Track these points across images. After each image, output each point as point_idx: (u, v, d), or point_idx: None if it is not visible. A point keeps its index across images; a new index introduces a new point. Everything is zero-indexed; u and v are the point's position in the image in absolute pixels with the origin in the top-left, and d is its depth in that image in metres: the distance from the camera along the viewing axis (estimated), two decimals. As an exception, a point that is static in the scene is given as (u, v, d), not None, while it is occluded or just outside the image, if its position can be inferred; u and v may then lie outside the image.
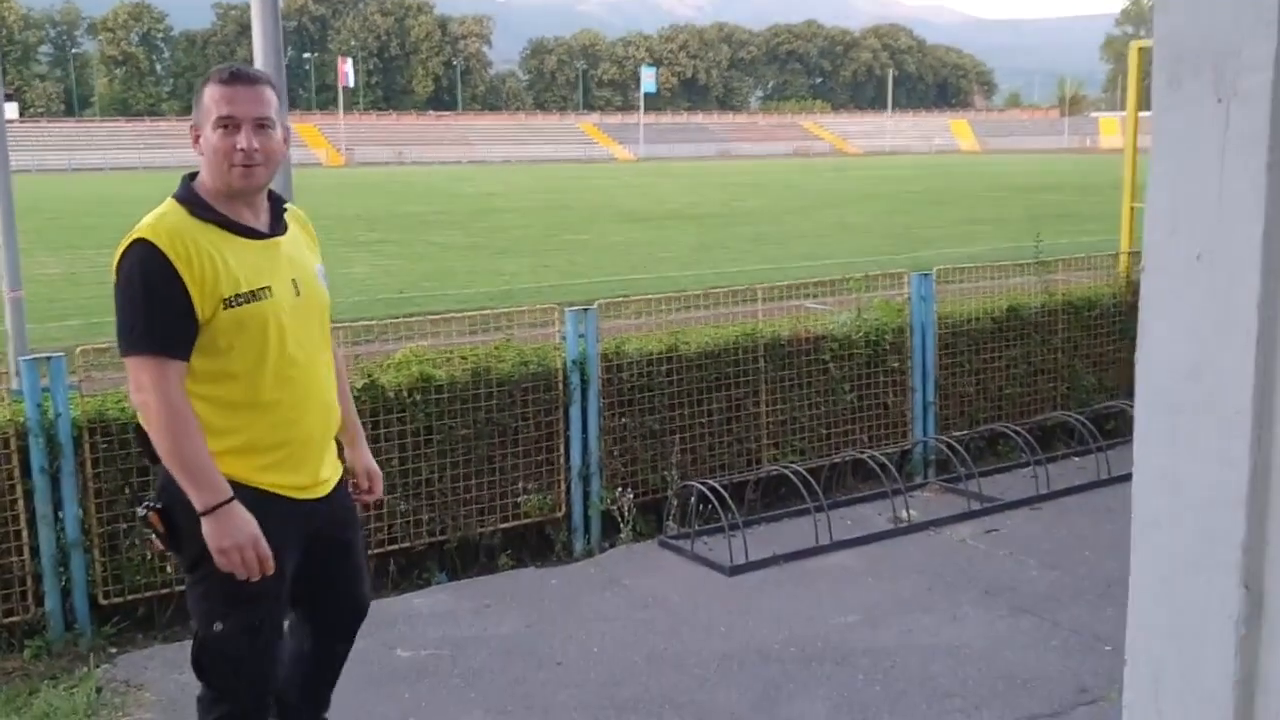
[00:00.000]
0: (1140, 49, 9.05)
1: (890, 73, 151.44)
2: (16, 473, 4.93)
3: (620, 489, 6.24)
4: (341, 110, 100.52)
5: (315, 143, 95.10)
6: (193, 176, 3.09)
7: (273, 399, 3.05)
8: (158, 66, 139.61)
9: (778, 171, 68.21)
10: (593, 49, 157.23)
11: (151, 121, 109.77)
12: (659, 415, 6.43)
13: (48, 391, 4.93)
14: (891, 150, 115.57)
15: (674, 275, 19.18)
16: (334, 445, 3.34)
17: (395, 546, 5.77)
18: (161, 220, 2.95)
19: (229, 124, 2.94)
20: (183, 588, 5.32)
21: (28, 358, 4.96)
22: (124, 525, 5.16)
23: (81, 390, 5.12)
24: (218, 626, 3.10)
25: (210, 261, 2.91)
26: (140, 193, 49.92)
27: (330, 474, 3.27)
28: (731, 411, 6.69)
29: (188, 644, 3.31)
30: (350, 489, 3.42)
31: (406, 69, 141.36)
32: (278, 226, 3.14)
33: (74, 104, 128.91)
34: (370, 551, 5.39)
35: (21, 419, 4.93)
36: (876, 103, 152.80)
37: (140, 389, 2.93)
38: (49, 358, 4.95)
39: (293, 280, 3.09)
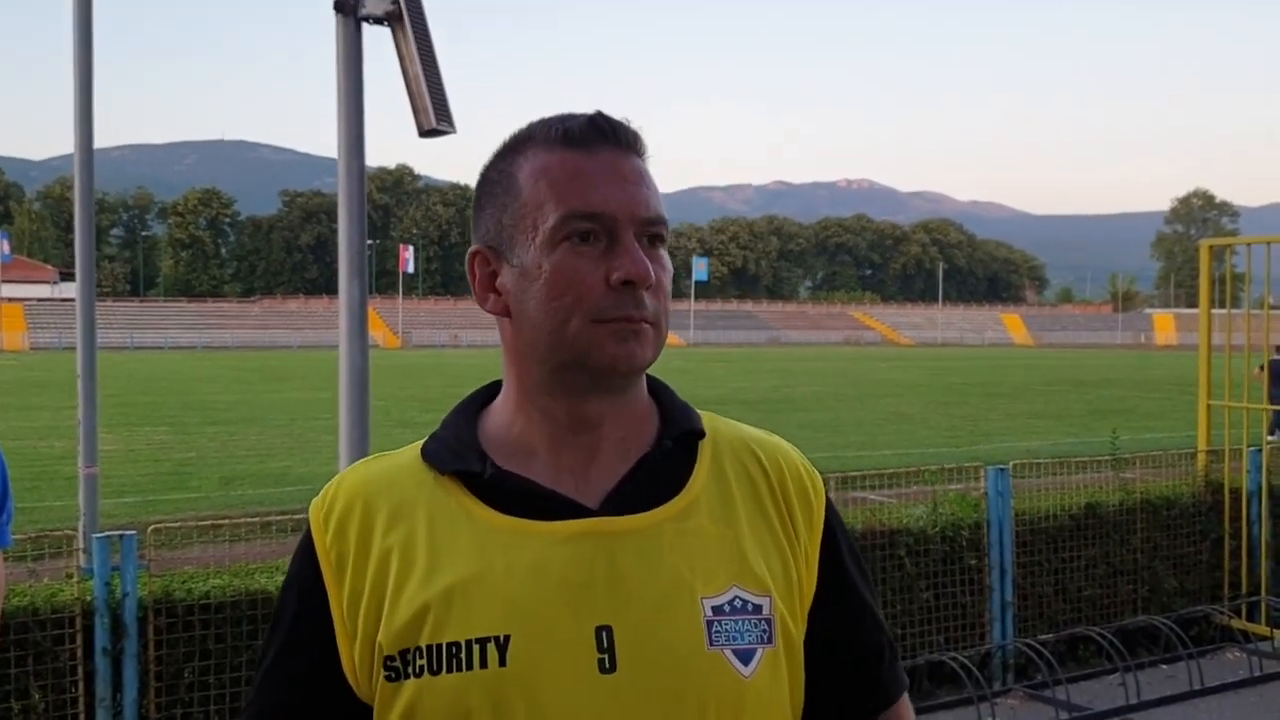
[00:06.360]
0: (1210, 247, 9.01)
1: (940, 266, 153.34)
2: (80, 653, 4.82)
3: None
4: (401, 294, 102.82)
5: (374, 325, 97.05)
6: (492, 390, 1.43)
7: None
8: (222, 250, 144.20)
9: (829, 359, 68.52)
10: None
11: (213, 302, 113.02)
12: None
13: (117, 570, 4.85)
14: (943, 342, 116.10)
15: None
16: None
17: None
18: (365, 469, 1.37)
19: (593, 228, 1.27)
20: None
21: (100, 535, 4.89)
22: (180, 711, 5.00)
23: (150, 569, 5.04)
24: None
25: (380, 573, 1.28)
26: (197, 371, 50.88)
27: None
28: (804, 607, 6.46)
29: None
30: None
31: (465, 256, 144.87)
32: (650, 487, 1.33)
33: (139, 284, 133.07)
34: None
35: (89, 598, 4.83)
36: (926, 295, 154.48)
37: None
38: (121, 535, 4.88)
39: (598, 631, 1.24)
